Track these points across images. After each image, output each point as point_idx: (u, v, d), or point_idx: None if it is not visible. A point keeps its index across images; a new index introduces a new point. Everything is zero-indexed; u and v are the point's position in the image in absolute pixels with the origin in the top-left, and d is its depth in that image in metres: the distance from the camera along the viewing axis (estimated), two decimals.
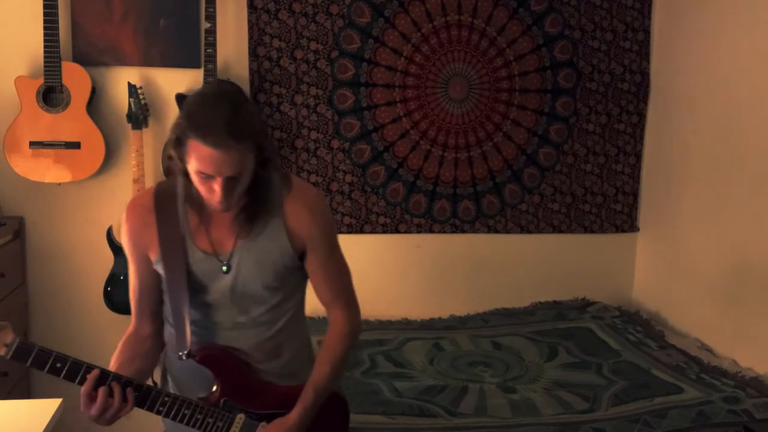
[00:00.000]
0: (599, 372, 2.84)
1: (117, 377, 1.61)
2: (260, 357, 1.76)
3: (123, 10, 3.16)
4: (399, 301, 3.48)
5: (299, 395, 1.73)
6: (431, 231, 3.54)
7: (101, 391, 1.58)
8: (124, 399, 1.60)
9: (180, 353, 1.70)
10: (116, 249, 3.15)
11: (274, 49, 3.30)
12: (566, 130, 3.58)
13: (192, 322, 1.71)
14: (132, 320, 1.81)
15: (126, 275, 3.11)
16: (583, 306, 3.54)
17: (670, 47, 3.49)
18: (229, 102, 1.56)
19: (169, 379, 1.84)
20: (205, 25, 3.08)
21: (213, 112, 1.52)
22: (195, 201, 1.67)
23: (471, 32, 3.44)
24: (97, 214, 3.23)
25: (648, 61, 3.60)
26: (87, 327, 3.25)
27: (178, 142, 1.57)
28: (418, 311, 3.48)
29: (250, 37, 3.28)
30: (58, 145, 3.04)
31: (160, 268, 1.72)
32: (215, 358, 1.73)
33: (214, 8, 3.07)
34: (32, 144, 3.02)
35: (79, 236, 3.25)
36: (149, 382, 1.74)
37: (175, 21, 3.20)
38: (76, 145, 3.05)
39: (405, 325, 3.37)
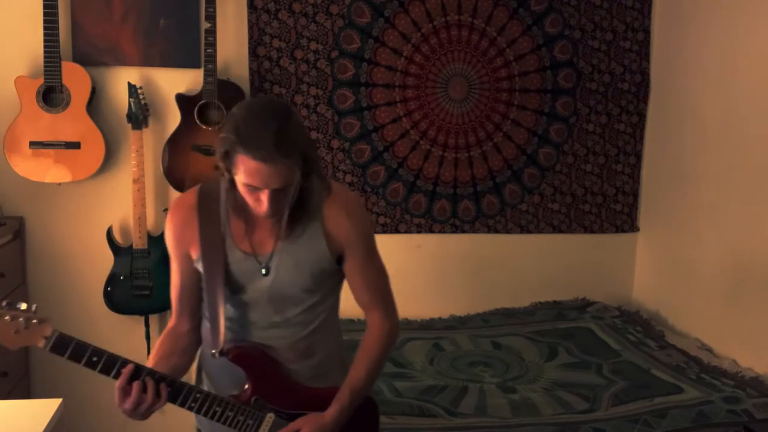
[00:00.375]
0: (599, 372, 2.84)
1: (151, 372, 1.64)
2: (293, 356, 1.78)
3: (123, 10, 3.16)
4: (399, 301, 3.43)
5: (329, 397, 1.76)
6: (431, 231, 3.54)
7: (135, 386, 1.61)
8: (158, 394, 1.63)
9: (213, 351, 1.73)
10: (116, 249, 3.15)
11: (274, 49, 3.30)
12: (566, 130, 3.58)
13: (228, 319, 1.75)
14: (172, 317, 1.85)
15: (126, 275, 3.13)
16: (583, 306, 3.54)
17: (670, 47, 3.49)
18: (277, 116, 1.57)
19: (204, 375, 1.87)
20: (205, 25, 3.08)
21: (261, 127, 1.54)
22: (237, 204, 1.70)
23: (471, 32, 3.44)
24: (97, 214, 3.24)
25: (648, 61, 3.60)
26: (87, 327, 3.25)
27: (226, 155, 1.59)
28: (418, 311, 3.48)
29: (250, 37, 3.28)
30: (58, 145, 3.04)
31: (200, 266, 1.75)
32: (248, 357, 1.75)
33: (214, 8, 3.07)
34: (32, 144, 3.02)
35: (79, 236, 3.25)
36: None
37: (175, 21, 3.20)
38: (76, 145, 3.05)
39: (405, 325, 3.36)
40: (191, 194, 1.77)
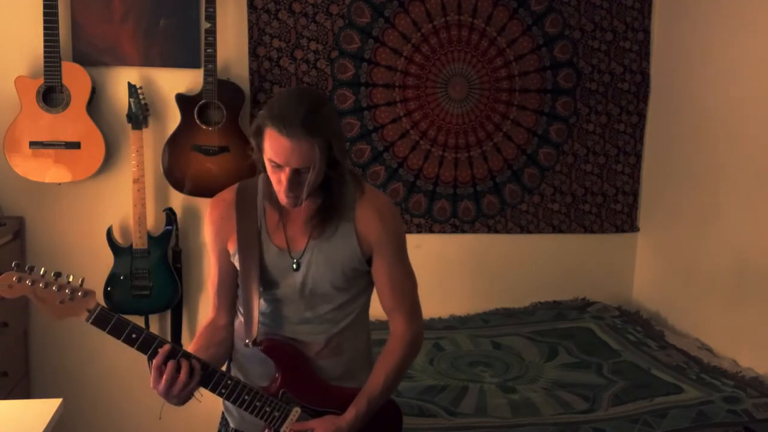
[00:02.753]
0: (599, 372, 2.84)
1: (186, 354, 1.68)
2: (323, 353, 1.82)
3: (123, 10, 3.16)
4: None
5: (354, 399, 1.79)
6: (431, 231, 3.54)
7: (170, 365, 1.64)
8: (191, 375, 1.66)
9: (246, 341, 1.77)
10: (116, 249, 3.15)
11: (274, 49, 3.30)
12: (566, 130, 3.58)
13: (261, 314, 1.80)
14: (211, 310, 1.90)
15: (126, 275, 3.13)
16: (583, 306, 3.54)
17: (670, 47, 3.49)
18: (310, 99, 1.65)
19: (234, 365, 1.91)
20: (205, 25, 3.08)
21: (293, 106, 1.61)
22: (274, 199, 1.76)
23: (471, 32, 3.44)
24: (97, 214, 3.24)
25: (648, 61, 3.60)
26: (87, 327, 3.24)
27: (257, 131, 1.66)
28: None
29: (250, 37, 3.28)
30: (58, 145, 3.04)
31: (236, 261, 1.80)
32: (279, 349, 1.79)
33: (214, 8, 3.07)
34: (32, 144, 3.02)
35: (79, 236, 3.24)
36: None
37: (175, 21, 3.20)
38: (76, 145, 3.05)
39: None
40: (230, 191, 1.84)
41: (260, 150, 1.67)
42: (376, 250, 1.80)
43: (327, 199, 1.75)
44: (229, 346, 1.88)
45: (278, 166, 1.64)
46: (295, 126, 1.58)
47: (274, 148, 1.62)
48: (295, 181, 1.65)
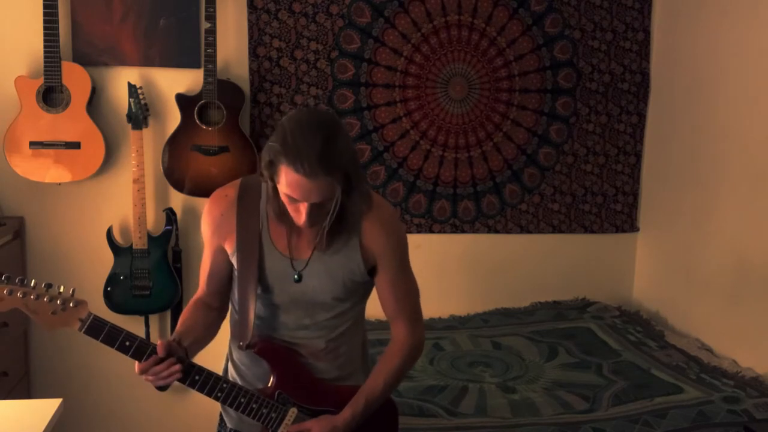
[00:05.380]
0: (599, 372, 2.84)
1: (181, 359, 1.67)
2: (319, 355, 1.82)
3: (123, 10, 3.16)
4: None
5: (351, 396, 1.79)
6: (431, 231, 3.54)
7: (162, 365, 1.65)
8: (171, 375, 1.66)
9: (240, 343, 1.77)
10: (116, 249, 3.15)
11: (274, 49, 3.30)
12: (566, 130, 3.58)
13: (258, 317, 1.79)
14: (200, 287, 1.88)
15: (126, 275, 3.14)
16: (583, 306, 3.54)
17: (670, 47, 3.49)
18: (325, 133, 1.58)
19: (231, 367, 1.91)
20: (205, 25, 3.08)
21: (307, 142, 1.55)
22: (281, 209, 1.71)
23: (471, 32, 3.44)
24: (97, 214, 3.24)
25: (648, 61, 3.61)
26: None
27: (270, 164, 1.61)
28: None
29: (250, 37, 3.28)
30: (58, 145, 3.04)
31: (234, 260, 1.78)
32: (273, 351, 1.80)
33: (214, 8, 3.07)
34: (32, 144, 3.02)
35: (79, 236, 3.24)
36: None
37: (175, 21, 3.20)
38: (76, 145, 3.05)
39: None
40: (232, 187, 1.79)
41: (273, 180, 1.63)
42: (381, 262, 1.79)
43: (337, 216, 1.71)
44: (215, 330, 1.86)
45: (296, 200, 1.61)
46: (313, 165, 1.54)
47: (291, 186, 1.58)
48: (314, 211, 1.63)
